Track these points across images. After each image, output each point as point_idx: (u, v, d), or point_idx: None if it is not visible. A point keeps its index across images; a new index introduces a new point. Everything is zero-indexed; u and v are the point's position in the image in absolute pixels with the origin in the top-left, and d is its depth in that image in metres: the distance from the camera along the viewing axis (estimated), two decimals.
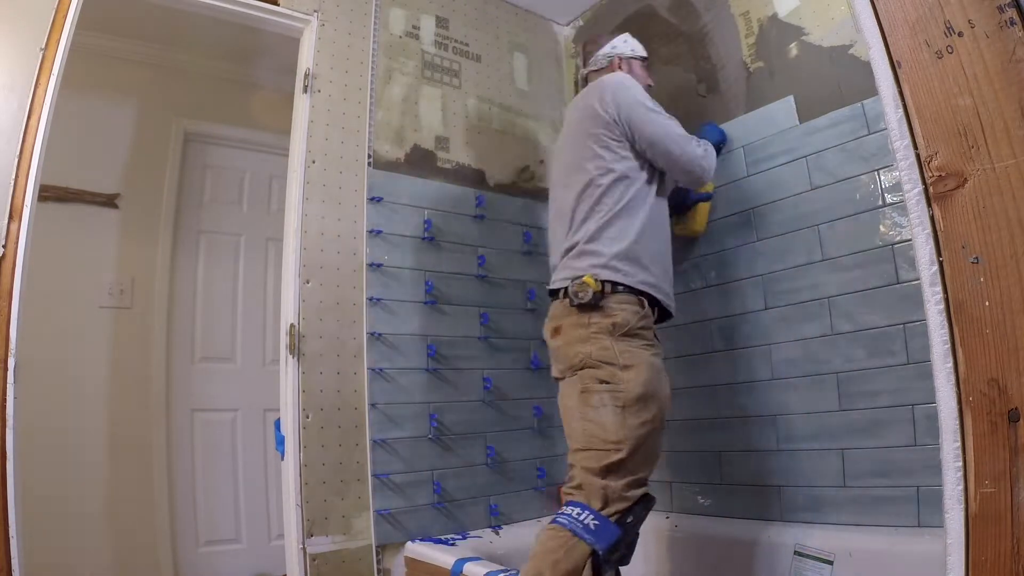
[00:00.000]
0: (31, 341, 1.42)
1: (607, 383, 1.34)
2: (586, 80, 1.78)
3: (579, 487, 1.30)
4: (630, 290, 1.42)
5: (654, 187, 1.56)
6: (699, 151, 1.60)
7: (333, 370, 1.86)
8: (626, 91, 1.57)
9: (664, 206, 1.60)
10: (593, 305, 1.39)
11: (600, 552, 1.21)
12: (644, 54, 1.80)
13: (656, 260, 1.49)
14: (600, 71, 1.75)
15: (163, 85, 2.74)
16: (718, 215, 1.98)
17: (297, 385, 1.80)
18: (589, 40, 1.83)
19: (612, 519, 1.25)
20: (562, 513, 1.27)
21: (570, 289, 1.41)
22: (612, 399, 1.33)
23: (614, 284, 1.41)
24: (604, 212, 1.48)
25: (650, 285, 1.45)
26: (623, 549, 1.28)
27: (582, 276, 1.41)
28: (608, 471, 1.28)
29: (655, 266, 1.48)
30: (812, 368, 1.72)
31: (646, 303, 1.45)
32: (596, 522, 1.23)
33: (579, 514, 1.25)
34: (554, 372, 1.52)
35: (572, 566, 1.20)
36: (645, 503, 1.34)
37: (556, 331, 1.46)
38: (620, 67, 1.74)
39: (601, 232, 1.46)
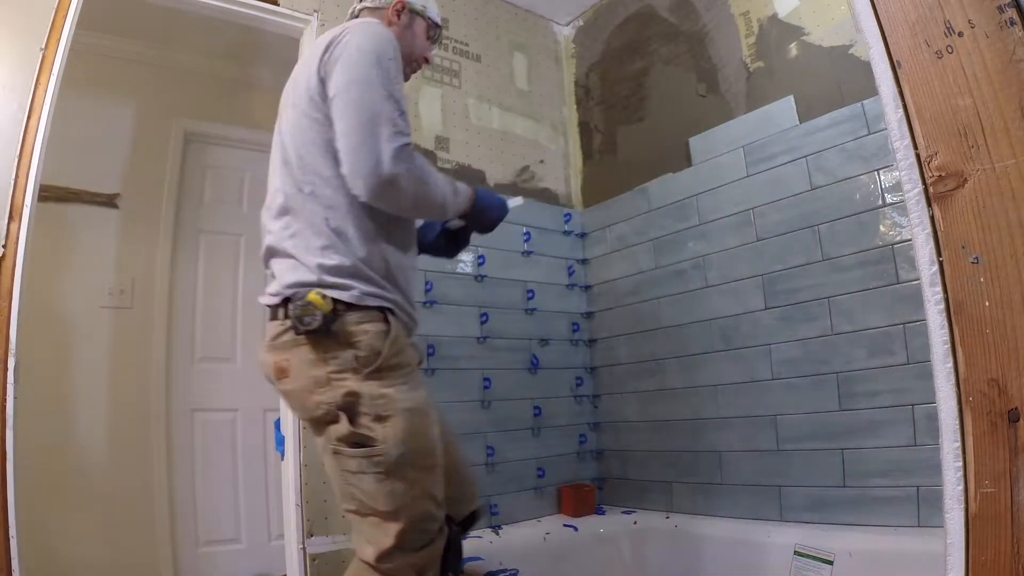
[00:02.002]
0: (31, 341, 1.42)
1: (360, 446, 1.03)
2: (356, 15, 1.38)
3: (374, 570, 1.06)
4: (366, 307, 1.07)
5: None
6: (393, 150, 1.06)
7: None
8: (352, 44, 1.13)
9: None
10: (318, 331, 1.02)
11: None
12: (437, 19, 1.39)
13: (395, 270, 1.15)
14: (374, 11, 1.33)
15: (163, 85, 2.74)
16: (718, 215, 1.99)
17: None
18: None
19: None
20: None
21: (292, 313, 1.03)
22: (370, 465, 1.03)
23: (346, 303, 1.05)
24: (322, 208, 1.10)
25: (390, 301, 1.11)
26: None
27: (304, 294, 1.04)
28: (387, 555, 1.04)
29: (393, 277, 1.14)
30: (812, 368, 1.72)
31: (391, 319, 1.10)
32: None
33: None
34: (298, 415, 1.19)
35: None
36: (439, 553, 1.10)
37: (283, 371, 1.08)
38: (396, 18, 1.32)
39: (316, 235, 1.09)
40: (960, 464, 0.70)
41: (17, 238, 1.40)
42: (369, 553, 1.05)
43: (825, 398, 1.68)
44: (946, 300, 0.72)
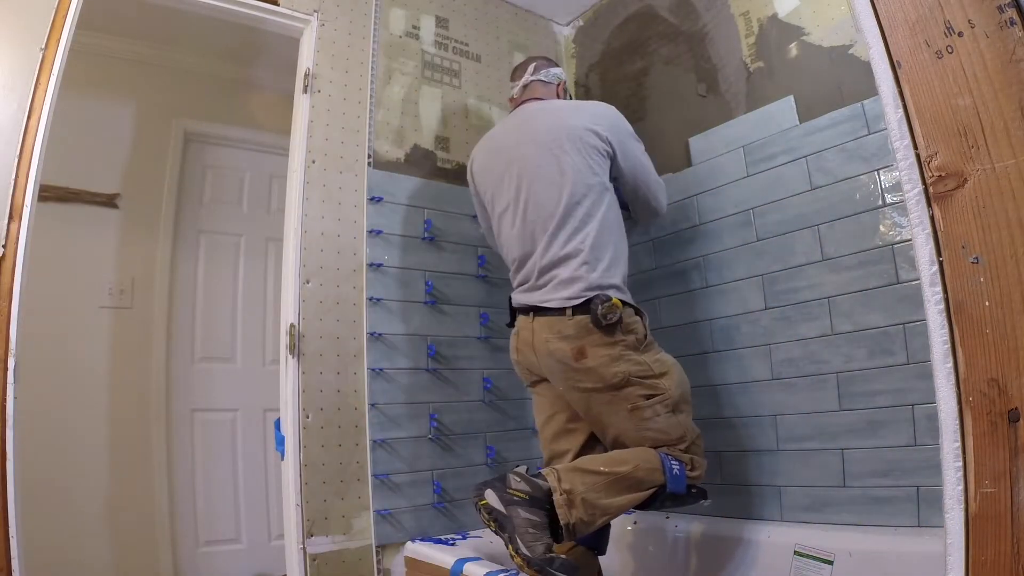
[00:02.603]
0: (31, 341, 1.42)
1: (653, 395, 1.47)
2: (525, 88, 1.81)
3: (685, 451, 1.49)
4: (631, 305, 1.54)
5: (617, 204, 1.67)
6: (663, 192, 1.78)
7: (333, 370, 1.86)
8: (622, 120, 1.69)
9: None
10: (614, 324, 1.46)
11: (665, 491, 1.42)
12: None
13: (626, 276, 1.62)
14: (547, 85, 1.82)
15: (163, 85, 2.74)
16: (718, 215, 1.99)
17: (297, 385, 1.80)
18: (529, 58, 1.89)
19: (688, 480, 1.45)
20: (666, 454, 1.46)
21: (599, 311, 1.45)
22: (663, 407, 1.47)
23: (624, 302, 1.50)
24: (594, 227, 1.53)
25: (633, 299, 1.58)
26: (670, 504, 1.48)
27: (608, 298, 1.46)
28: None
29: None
30: (812, 368, 1.72)
31: (642, 311, 1.57)
32: (679, 473, 1.44)
33: (674, 461, 1.45)
34: (565, 388, 1.55)
35: (645, 480, 1.41)
36: (701, 492, 1.52)
37: (581, 353, 1.48)
38: (562, 90, 1.87)
39: (594, 249, 1.52)
40: (960, 464, 0.70)
41: (17, 238, 1.41)
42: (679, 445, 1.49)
43: (825, 398, 1.68)
44: (946, 300, 0.72)
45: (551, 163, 1.59)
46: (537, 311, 1.55)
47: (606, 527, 1.57)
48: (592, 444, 1.60)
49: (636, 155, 1.67)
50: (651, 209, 1.76)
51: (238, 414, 2.72)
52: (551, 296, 1.52)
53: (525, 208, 1.61)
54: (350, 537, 1.80)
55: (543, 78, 1.81)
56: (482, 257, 2.18)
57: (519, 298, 1.62)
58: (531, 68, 1.81)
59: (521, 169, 1.64)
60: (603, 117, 1.65)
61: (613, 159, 1.62)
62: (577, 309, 1.47)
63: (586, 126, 1.60)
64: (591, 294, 1.47)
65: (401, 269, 2.01)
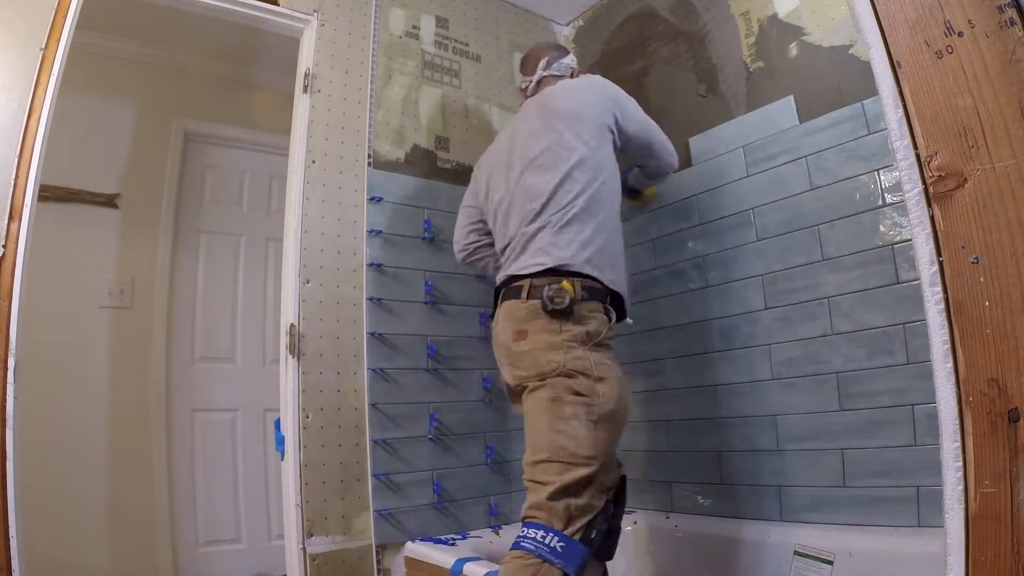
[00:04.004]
0: (31, 341, 1.42)
1: (581, 395, 1.29)
2: (539, 84, 1.74)
3: (539, 507, 1.23)
4: (598, 294, 1.40)
5: (618, 186, 1.58)
6: (669, 142, 1.69)
7: (333, 370, 1.86)
8: (612, 87, 1.61)
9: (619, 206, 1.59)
10: (566, 312, 1.34)
11: (571, 574, 1.17)
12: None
13: (620, 261, 1.50)
14: (559, 79, 1.73)
15: (163, 85, 2.74)
16: (718, 215, 1.99)
17: (297, 385, 1.80)
18: (539, 49, 1.82)
19: (577, 537, 1.21)
20: (525, 537, 1.21)
21: (545, 294, 1.34)
22: (586, 412, 1.28)
23: (587, 289, 1.38)
24: (579, 205, 1.43)
25: (618, 285, 1.45)
26: (595, 569, 1.24)
27: (559, 281, 1.35)
28: (568, 490, 1.23)
29: (620, 266, 1.48)
30: (812, 368, 1.72)
31: (611, 312, 1.42)
32: (562, 544, 1.19)
33: (543, 537, 1.19)
34: (511, 378, 1.42)
35: None
36: (613, 510, 1.29)
37: (521, 334, 1.38)
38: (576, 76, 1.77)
39: (570, 224, 1.42)
40: (960, 464, 0.70)
41: (17, 238, 1.41)
42: (558, 484, 1.23)
43: (825, 398, 1.68)
44: (946, 300, 0.72)
45: (544, 148, 1.51)
46: (504, 295, 1.45)
47: (614, 532, 1.38)
48: None
49: (637, 115, 1.62)
50: (666, 161, 1.69)
51: (238, 414, 2.72)
52: (517, 268, 1.44)
53: (513, 196, 1.54)
54: (350, 537, 1.80)
55: (555, 72, 1.75)
56: None
57: (500, 276, 1.53)
58: (543, 63, 1.75)
59: (517, 160, 1.57)
60: (597, 91, 1.59)
61: (617, 129, 1.56)
62: (531, 292, 1.38)
63: (580, 106, 1.54)
64: (552, 264, 1.38)
65: (401, 269, 2.01)
